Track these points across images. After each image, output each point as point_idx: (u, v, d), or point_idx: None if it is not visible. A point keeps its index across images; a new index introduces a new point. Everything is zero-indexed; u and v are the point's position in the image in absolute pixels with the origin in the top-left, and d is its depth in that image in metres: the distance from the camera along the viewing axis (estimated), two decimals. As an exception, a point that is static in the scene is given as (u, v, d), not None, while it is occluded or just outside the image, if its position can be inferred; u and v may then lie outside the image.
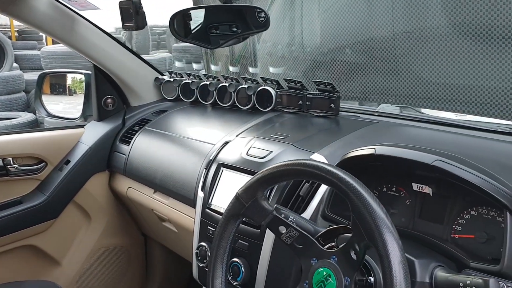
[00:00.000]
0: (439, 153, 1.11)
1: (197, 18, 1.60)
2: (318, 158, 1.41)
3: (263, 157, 1.52)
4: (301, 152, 1.49)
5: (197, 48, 6.99)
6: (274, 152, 1.51)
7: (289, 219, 1.08)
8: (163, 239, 2.26)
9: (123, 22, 1.49)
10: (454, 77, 1.59)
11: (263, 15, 1.28)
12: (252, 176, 1.07)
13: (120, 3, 1.47)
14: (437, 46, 1.60)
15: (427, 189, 1.18)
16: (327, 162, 1.33)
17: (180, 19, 1.44)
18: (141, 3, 1.44)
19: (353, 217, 0.89)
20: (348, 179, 0.90)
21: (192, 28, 1.46)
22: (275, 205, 1.12)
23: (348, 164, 1.27)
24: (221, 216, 1.51)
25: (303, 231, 1.01)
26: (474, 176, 1.01)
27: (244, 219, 1.13)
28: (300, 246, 1.00)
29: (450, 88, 1.61)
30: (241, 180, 1.51)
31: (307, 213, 1.33)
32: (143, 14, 1.46)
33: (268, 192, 1.35)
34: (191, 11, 1.53)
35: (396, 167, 1.22)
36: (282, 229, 1.03)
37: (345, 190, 0.89)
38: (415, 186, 1.20)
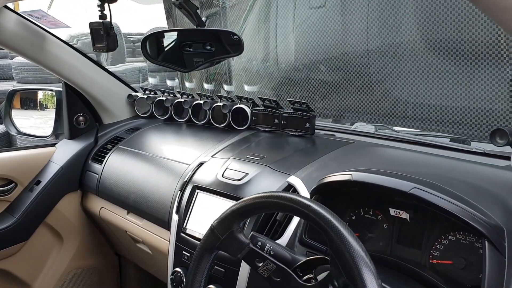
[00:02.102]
0: (416, 180, 1.10)
1: (170, 38, 1.58)
2: (294, 180, 1.39)
3: (239, 179, 1.50)
4: (277, 174, 1.47)
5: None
6: (250, 174, 1.49)
7: (266, 247, 1.06)
8: (137, 260, 2.21)
9: (93, 43, 1.45)
10: (427, 96, 1.60)
11: (237, 39, 1.27)
12: (227, 208, 1.05)
13: (90, 24, 1.43)
14: (410, 63, 1.61)
15: (405, 215, 1.18)
16: (303, 195, 1.33)
17: (153, 41, 1.42)
18: (111, 25, 1.40)
19: (331, 253, 0.88)
20: (326, 215, 0.88)
21: (164, 47, 1.43)
22: (252, 232, 1.10)
23: (324, 189, 1.27)
24: (196, 241, 1.51)
25: (280, 264, 0.99)
26: (451, 204, 1.01)
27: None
28: (278, 279, 0.98)
29: (423, 107, 1.62)
30: (216, 204, 1.49)
31: (284, 239, 1.31)
32: (114, 35, 1.42)
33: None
34: (164, 33, 1.51)
35: (372, 192, 1.21)
36: (259, 262, 1.01)
37: (323, 226, 0.88)
38: (392, 211, 1.20)
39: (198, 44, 1.41)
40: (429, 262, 1.11)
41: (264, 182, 1.46)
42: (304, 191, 1.36)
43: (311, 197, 1.30)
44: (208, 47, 1.45)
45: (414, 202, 1.09)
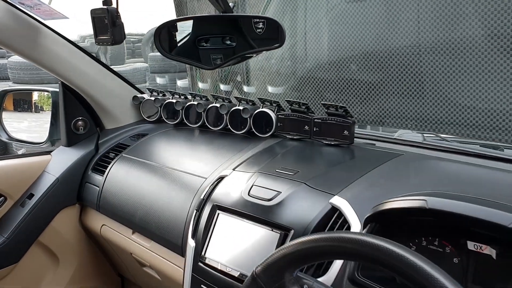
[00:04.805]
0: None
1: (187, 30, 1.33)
2: (340, 202, 1.14)
3: (270, 199, 1.24)
4: (317, 194, 1.22)
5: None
6: (283, 193, 1.24)
7: None
8: (143, 284, 1.96)
9: (96, 35, 1.20)
10: (491, 100, 1.35)
11: (277, 27, 1.01)
12: (276, 250, 0.79)
13: (92, 11, 1.18)
14: (470, 62, 1.36)
15: (489, 250, 0.93)
16: (351, 220, 1.08)
17: (169, 34, 1.17)
18: (118, 13, 1.15)
19: None
20: (438, 276, 0.63)
21: (185, 41, 1.18)
22: (297, 272, 0.84)
23: (383, 216, 1.02)
24: (217, 274, 1.25)
25: None
26: None
27: None
28: None
29: (486, 113, 1.37)
30: (243, 228, 1.24)
31: (330, 276, 1.06)
32: (121, 25, 1.17)
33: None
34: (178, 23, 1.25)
35: (446, 221, 0.96)
36: None
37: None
38: (471, 245, 0.96)
39: (224, 36, 1.16)
40: None
41: (301, 204, 1.20)
42: (352, 216, 1.11)
43: (365, 225, 1.05)
44: (239, 41, 1.20)
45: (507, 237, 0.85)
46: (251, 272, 0.81)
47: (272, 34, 1.06)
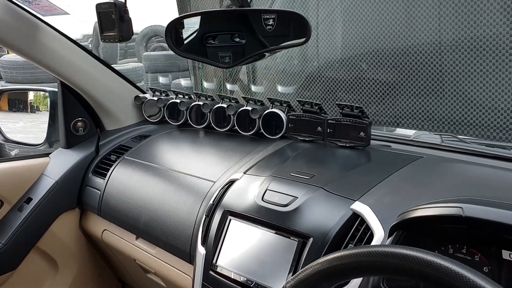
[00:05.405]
0: None
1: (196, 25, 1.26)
2: (362, 208, 1.08)
3: (286, 205, 1.18)
4: (336, 199, 1.15)
5: (170, 58, 6.61)
6: (300, 198, 1.18)
7: None
8: (146, 291, 1.89)
9: (101, 31, 1.12)
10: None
11: (302, 21, 0.94)
12: (309, 266, 0.72)
13: (98, 6, 1.10)
14: (493, 61, 1.30)
15: (525, 259, 0.88)
16: (374, 227, 1.02)
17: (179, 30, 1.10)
18: (126, 7, 1.08)
19: None
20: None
21: (197, 38, 1.11)
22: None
23: (411, 225, 0.96)
24: (231, 283, 1.19)
25: None
26: None
27: None
28: None
29: (509, 114, 1.32)
30: (257, 235, 1.18)
31: (353, 286, 1.00)
32: (129, 20, 1.09)
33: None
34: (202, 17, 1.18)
35: (482, 229, 0.90)
36: None
37: None
38: (506, 254, 0.90)
39: (238, 32, 1.09)
40: None
41: (320, 210, 1.14)
42: (376, 223, 1.04)
43: (391, 233, 0.98)
44: (249, 38, 1.13)
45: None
46: (281, 286, 0.74)
47: (291, 30, 1.00)
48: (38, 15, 1.59)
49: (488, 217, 0.84)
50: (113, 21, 1.08)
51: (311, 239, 1.08)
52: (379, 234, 1.02)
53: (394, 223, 0.97)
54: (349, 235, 1.06)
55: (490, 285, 0.56)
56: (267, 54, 1.06)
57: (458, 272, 0.57)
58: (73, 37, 1.73)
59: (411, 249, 0.65)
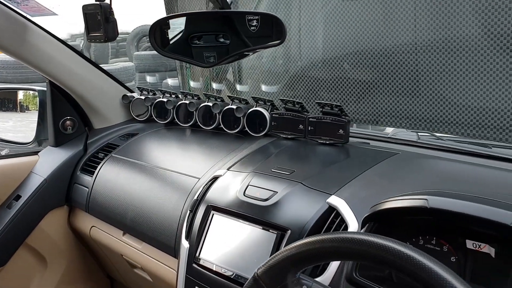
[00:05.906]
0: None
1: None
2: (337, 202, 1.13)
3: (266, 199, 1.22)
4: (314, 193, 1.20)
5: (159, 57, 6.64)
6: (279, 193, 1.22)
7: None
8: (134, 286, 1.92)
9: (88, 32, 1.16)
10: (486, 99, 1.34)
11: (276, 23, 0.99)
12: (279, 252, 0.77)
13: (84, 7, 1.14)
14: (466, 61, 1.35)
15: (488, 249, 0.93)
16: (349, 219, 1.07)
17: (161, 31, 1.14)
18: (111, 8, 1.12)
19: None
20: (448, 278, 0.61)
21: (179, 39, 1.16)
22: (299, 274, 0.82)
23: (381, 216, 1.01)
24: (213, 275, 1.23)
25: None
26: None
27: None
28: None
29: (481, 112, 1.37)
30: (238, 229, 1.22)
31: (327, 276, 1.04)
32: (115, 21, 1.14)
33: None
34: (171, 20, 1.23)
35: (447, 221, 0.95)
36: None
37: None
38: (469, 244, 0.95)
39: (217, 33, 1.13)
40: None
41: (298, 203, 1.19)
42: (350, 216, 1.09)
43: (363, 224, 1.03)
44: (233, 39, 1.17)
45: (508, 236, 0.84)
46: (253, 273, 0.78)
47: (270, 31, 1.04)
48: (26, 15, 1.62)
49: (451, 208, 0.89)
50: (99, 22, 1.12)
51: (289, 231, 1.13)
52: (353, 226, 1.07)
53: (366, 215, 1.02)
54: (325, 227, 1.11)
55: (434, 263, 0.61)
56: (247, 53, 1.10)
57: (410, 255, 0.62)
58: (61, 37, 1.76)
59: (372, 236, 0.69)
